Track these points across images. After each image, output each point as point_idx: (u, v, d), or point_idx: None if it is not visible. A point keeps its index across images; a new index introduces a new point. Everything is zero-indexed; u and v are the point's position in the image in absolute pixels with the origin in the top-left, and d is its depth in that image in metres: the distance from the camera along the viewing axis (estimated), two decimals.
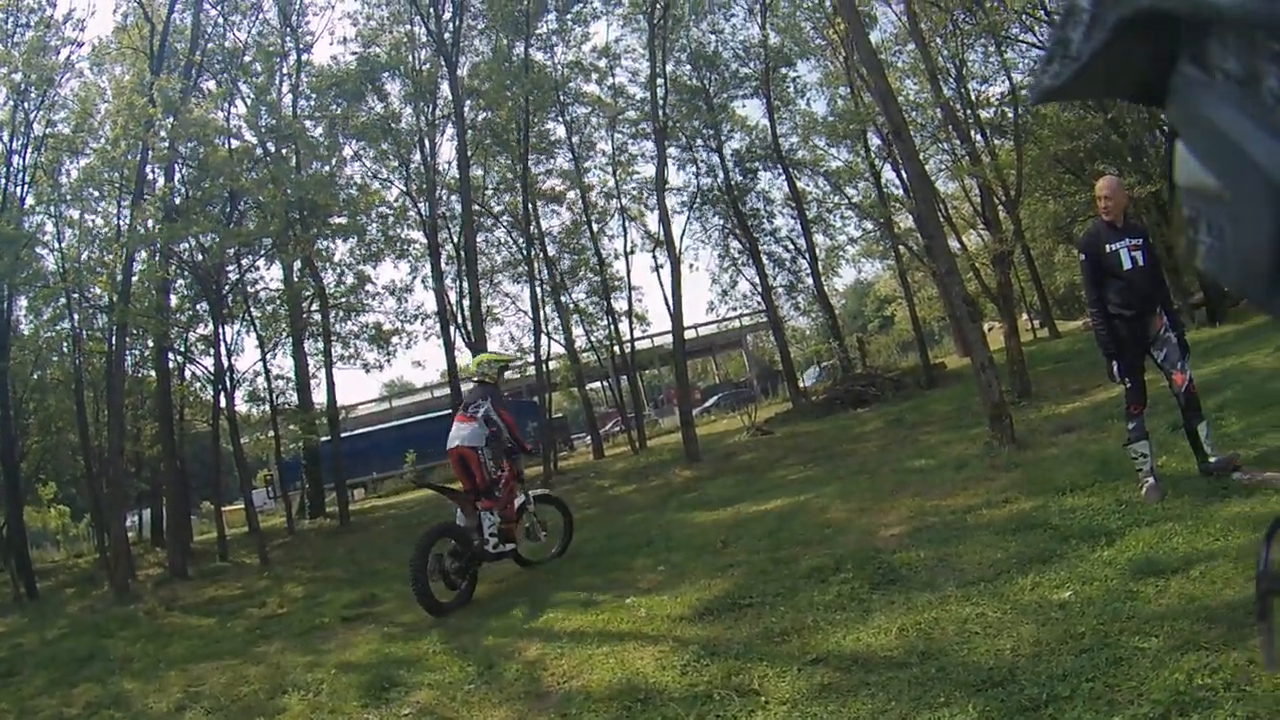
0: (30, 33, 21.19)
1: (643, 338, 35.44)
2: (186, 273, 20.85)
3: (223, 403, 21.62)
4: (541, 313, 28.89)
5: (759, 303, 32.95)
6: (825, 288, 32.82)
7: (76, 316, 21.10)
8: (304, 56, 26.57)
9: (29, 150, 21.47)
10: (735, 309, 34.56)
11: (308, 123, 24.67)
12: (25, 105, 21.08)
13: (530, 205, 29.00)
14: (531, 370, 30.32)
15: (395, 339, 26.86)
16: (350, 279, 26.04)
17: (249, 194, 20.01)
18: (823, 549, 7.91)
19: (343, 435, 27.67)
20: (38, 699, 8.90)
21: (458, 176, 24.97)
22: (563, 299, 30.56)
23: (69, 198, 21.50)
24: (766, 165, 31.61)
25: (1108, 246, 7.02)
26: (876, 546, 7.57)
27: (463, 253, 25.36)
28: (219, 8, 23.28)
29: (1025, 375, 17.51)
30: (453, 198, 27.72)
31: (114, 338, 19.84)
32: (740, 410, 32.10)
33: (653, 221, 31.57)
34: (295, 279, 23.68)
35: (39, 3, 21.36)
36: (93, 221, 22.43)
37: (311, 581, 14.46)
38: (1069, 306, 46.11)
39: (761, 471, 16.79)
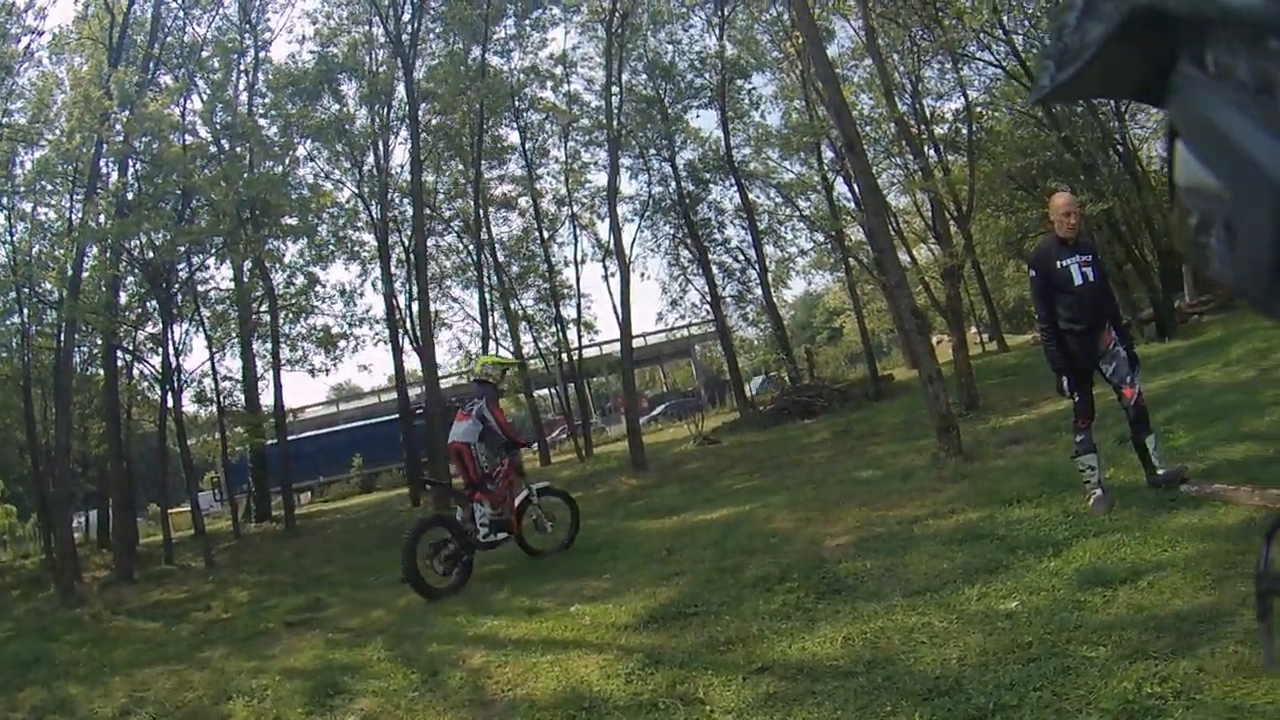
0: None
1: (590, 345, 35.39)
2: (137, 270, 20.46)
3: (170, 403, 21.26)
4: (490, 318, 28.76)
5: (708, 312, 32.97)
6: (774, 298, 32.91)
7: (26, 311, 20.60)
8: (262, 54, 26.30)
9: None
10: (684, 317, 34.61)
11: (262, 121, 24.49)
12: None
13: (482, 211, 28.88)
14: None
15: (343, 343, 26.67)
16: (300, 280, 25.82)
17: (201, 192, 19.71)
18: (768, 558, 7.86)
19: (289, 438, 27.37)
20: None
21: (410, 180, 24.76)
22: (511, 305, 30.39)
23: (22, 190, 21.00)
24: (719, 176, 31.68)
25: (1058, 262, 7.06)
26: (822, 556, 7.54)
27: (413, 256, 25.16)
28: (180, 1, 22.93)
29: (973, 388, 17.65)
30: (405, 201, 27.45)
31: (63, 334, 19.45)
32: (687, 419, 32.02)
33: (603, 230, 31.50)
34: (245, 279, 23.41)
35: None
36: (45, 215, 21.98)
37: (257, 586, 14.29)
38: (1018, 321, 46.67)
39: (708, 480, 16.80)
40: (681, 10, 29.69)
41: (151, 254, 19.83)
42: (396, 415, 29.31)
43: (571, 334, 31.49)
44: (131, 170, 20.05)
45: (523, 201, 31.44)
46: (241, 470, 28.52)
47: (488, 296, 28.66)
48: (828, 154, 27.72)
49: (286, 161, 24.59)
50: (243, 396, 24.83)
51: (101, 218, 18.57)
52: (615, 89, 25.99)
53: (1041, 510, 7.28)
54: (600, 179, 31.34)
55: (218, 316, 23.43)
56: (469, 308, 30.43)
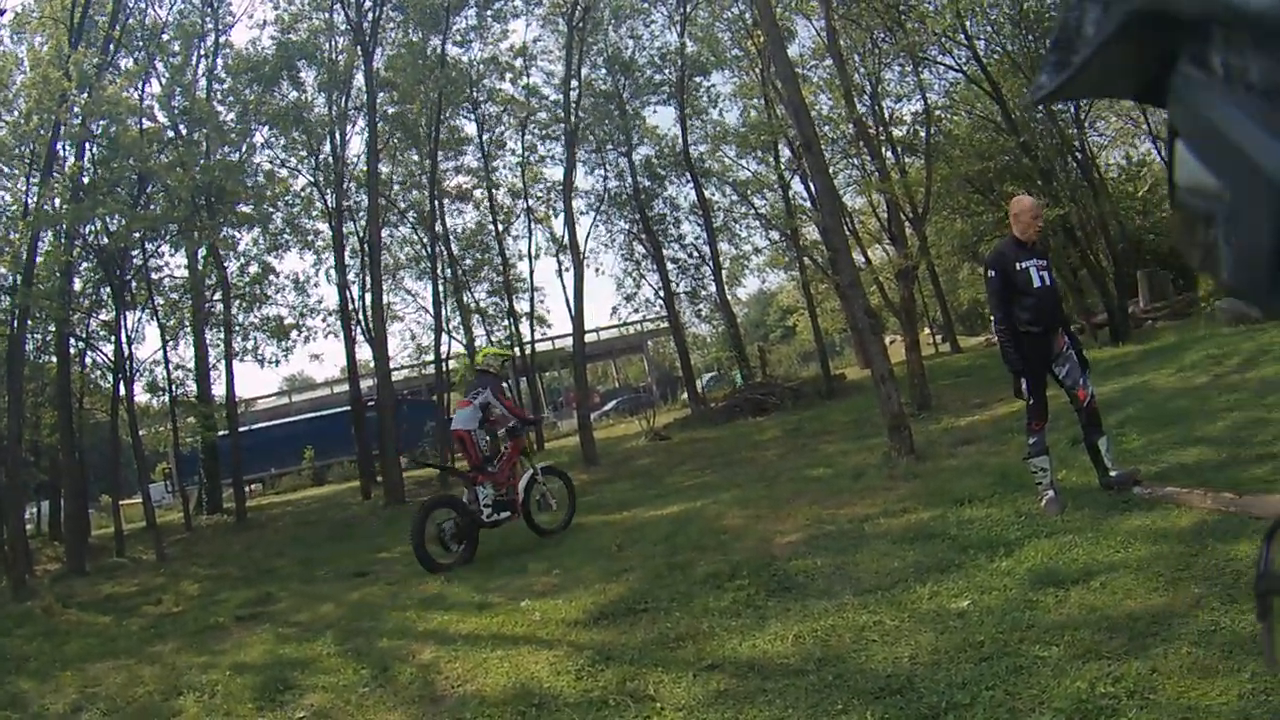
0: None
1: (543, 339, 35.41)
2: (91, 256, 20.12)
3: (122, 392, 20.95)
4: (443, 311, 28.57)
5: (661, 308, 33.02)
6: (728, 296, 33.02)
7: None
8: (223, 38, 26.05)
9: None
10: (638, 310, 34.51)
11: (220, 107, 24.21)
12: None
13: (437, 202, 28.70)
14: (431, 369, 29.89)
15: (295, 333, 26.50)
16: (255, 269, 25.71)
17: (157, 177, 19.40)
18: (719, 555, 7.84)
19: (241, 430, 27.01)
20: None
21: (366, 169, 24.54)
22: (464, 298, 30.29)
23: None
24: (675, 172, 31.68)
25: (1017, 264, 7.05)
26: (773, 553, 7.52)
27: (367, 247, 24.92)
28: None
29: (926, 388, 17.75)
30: (360, 191, 27.17)
31: (15, 320, 19.06)
32: (639, 415, 32.05)
33: (558, 225, 31.50)
34: (199, 266, 23.22)
35: None
36: (1, 198, 21.57)
37: (207, 579, 14.11)
38: (971, 323, 47.15)
39: (659, 477, 16.78)
40: (643, 5, 29.67)
41: (106, 240, 19.57)
42: (348, 407, 29.00)
43: (524, 328, 31.57)
44: (89, 154, 19.72)
45: (478, 193, 31.42)
46: (193, 461, 28.11)
47: (441, 289, 28.51)
48: (785, 153, 27.79)
49: (243, 148, 24.40)
50: (194, 386, 24.52)
51: (57, 201, 18.25)
52: (574, 83, 25.94)
53: (994, 510, 7.29)
54: (556, 173, 31.39)
55: (171, 304, 23.17)
56: (422, 300, 30.40)
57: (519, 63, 29.87)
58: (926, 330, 37.94)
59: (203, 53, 25.13)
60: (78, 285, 21.04)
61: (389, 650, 7.09)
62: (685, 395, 36.17)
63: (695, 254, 32.59)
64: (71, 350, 20.94)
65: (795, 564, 6.95)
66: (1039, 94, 1.04)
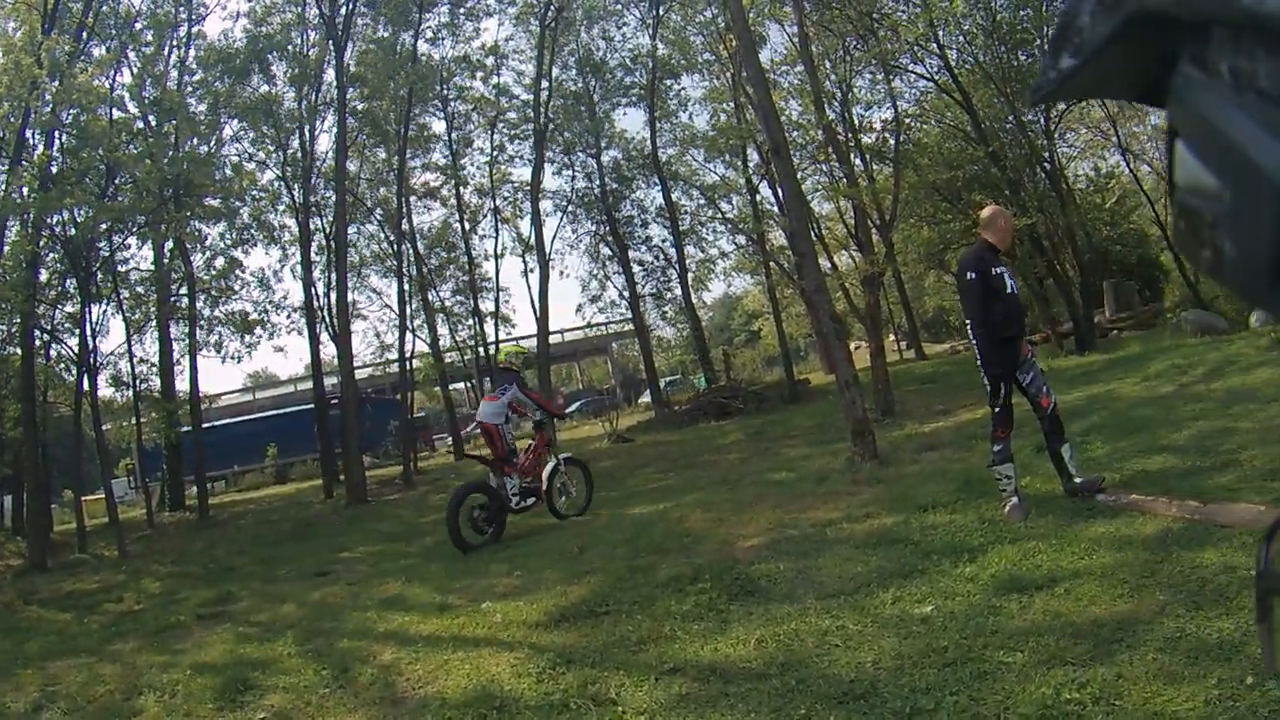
0: None
1: (508, 340, 35.24)
2: (58, 246, 19.87)
3: (86, 385, 20.64)
4: (408, 309, 28.47)
5: (626, 310, 33.03)
6: (693, 299, 33.12)
7: None
8: (195, 28, 25.79)
9: None
10: (603, 310, 34.53)
11: (190, 99, 23.95)
12: None
13: (404, 200, 28.53)
14: (395, 367, 29.74)
15: (259, 329, 26.31)
16: (221, 263, 25.55)
17: (126, 168, 19.21)
18: (681, 558, 7.79)
19: (204, 426, 26.72)
20: None
21: (334, 165, 24.38)
22: (430, 297, 30.19)
23: None
24: (643, 175, 31.70)
25: (993, 269, 7.07)
26: (735, 557, 7.48)
27: (333, 243, 24.77)
28: None
29: (890, 394, 17.78)
30: (328, 186, 26.98)
31: None
32: (602, 417, 32.02)
33: (525, 225, 31.46)
34: (165, 260, 23.03)
35: None
36: None
37: (169, 577, 13.98)
38: (936, 330, 47.49)
39: (621, 479, 16.72)
40: (616, 7, 29.73)
41: (74, 231, 19.30)
42: (312, 405, 28.79)
43: (489, 327, 31.42)
44: (58, 143, 19.45)
45: (444, 191, 31.31)
46: (156, 457, 27.85)
47: (406, 287, 28.38)
48: (754, 157, 27.87)
49: (213, 141, 24.24)
50: (158, 381, 24.39)
51: (24, 190, 18.01)
52: (545, 83, 25.93)
53: (957, 516, 7.29)
54: (525, 173, 31.36)
55: (136, 298, 22.98)
56: (387, 298, 30.30)
57: (490, 61, 29.80)
58: (891, 336, 38.05)
59: (175, 43, 24.95)
60: (43, 276, 20.75)
61: (350, 651, 7.05)
62: (649, 398, 36.15)
63: (662, 256, 32.75)
64: (36, 343, 20.70)
65: (758, 568, 6.91)
66: (1039, 94, 1.03)
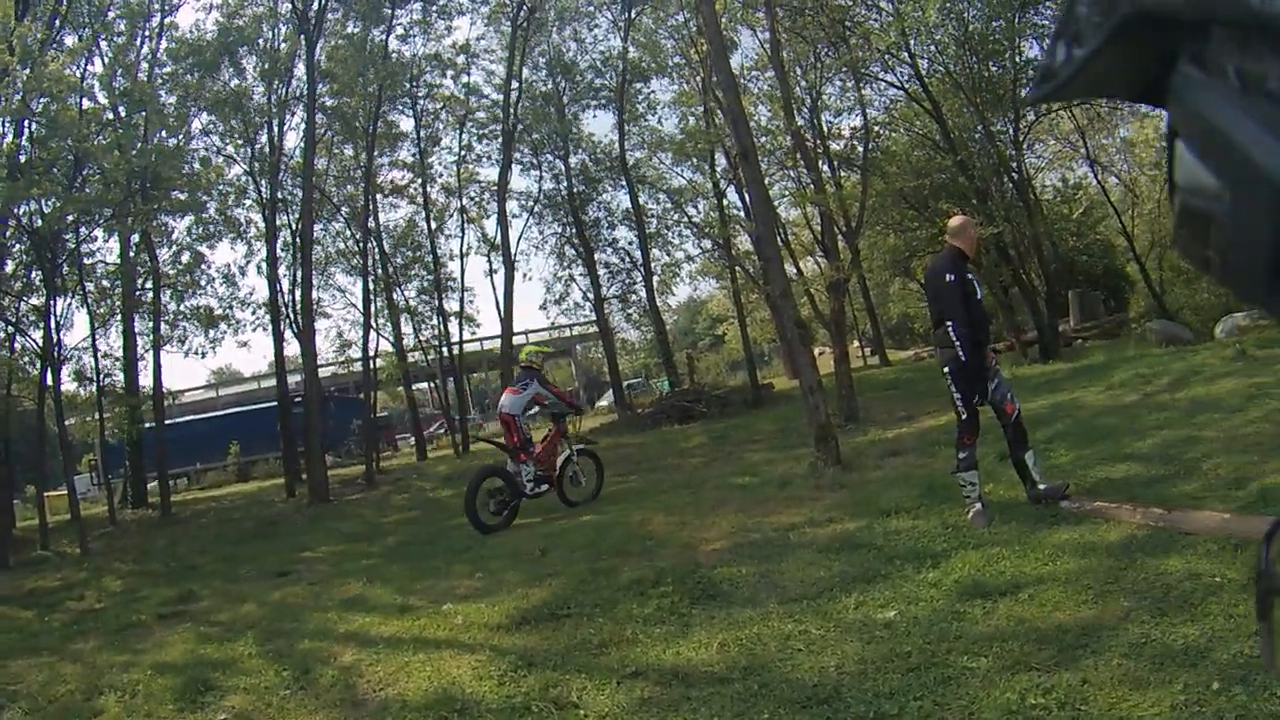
0: None
1: (472, 340, 35.08)
2: (25, 238, 19.58)
3: (50, 379, 20.34)
4: (372, 307, 28.29)
5: (590, 312, 32.98)
6: (658, 302, 33.02)
7: None
8: (168, 19, 25.40)
9: None
10: (567, 313, 34.51)
11: (160, 91, 23.68)
12: None
13: (371, 198, 28.35)
14: (359, 366, 29.57)
15: (224, 325, 26.03)
16: (187, 257, 25.25)
17: (94, 159, 18.97)
18: (643, 561, 7.77)
19: (167, 423, 26.39)
20: None
21: (303, 161, 24.21)
22: (394, 295, 30.01)
23: None
24: (610, 178, 31.69)
25: (967, 274, 7.08)
26: (698, 560, 7.47)
27: (299, 239, 24.59)
28: None
29: (854, 400, 17.81)
30: (295, 183, 26.76)
31: None
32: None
33: (491, 225, 31.38)
34: (131, 253, 22.79)
35: None
36: None
37: (130, 575, 13.86)
38: (900, 336, 47.68)
39: None
40: (589, 9, 29.73)
41: (40, 221, 19.06)
42: (275, 403, 28.53)
43: (453, 327, 31.29)
44: (26, 132, 19.20)
45: (412, 189, 31.10)
46: (119, 454, 27.45)
47: (371, 285, 28.24)
48: (721, 162, 27.88)
49: (181, 134, 23.96)
50: (122, 376, 24.09)
51: None
52: (515, 83, 25.87)
53: (920, 522, 7.30)
54: (491, 174, 31.25)
55: (102, 291, 22.74)
56: (351, 296, 30.07)
57: (461, 59, 29.72)
58: (856, 343, 38.25)
59: (147, 34, 24.64)
60: (9, 268, 20.50)
61: (310, 652, 7.00)
62: (611, 400, 36.12)
63: (627, 259, 32.73)
64: (0, 335, 20.43)
65: (720, 571, 6.90)
66: (1038, 94, 1.00)
